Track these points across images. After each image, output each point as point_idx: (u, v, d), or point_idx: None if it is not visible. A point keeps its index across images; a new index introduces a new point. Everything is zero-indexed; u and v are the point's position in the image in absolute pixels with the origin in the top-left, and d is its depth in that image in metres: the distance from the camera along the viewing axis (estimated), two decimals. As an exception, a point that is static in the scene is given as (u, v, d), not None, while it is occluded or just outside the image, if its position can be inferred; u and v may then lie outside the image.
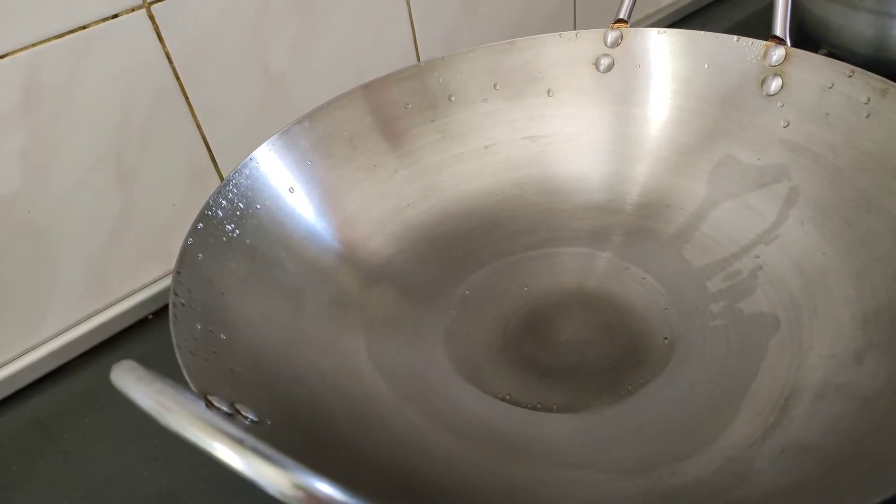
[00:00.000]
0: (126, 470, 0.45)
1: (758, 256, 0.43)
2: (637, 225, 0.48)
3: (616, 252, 0.47)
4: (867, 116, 0.40)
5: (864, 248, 0.38)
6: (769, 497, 0.27)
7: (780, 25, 0.43)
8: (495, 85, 0.52)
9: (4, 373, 0.51)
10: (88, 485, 0.45)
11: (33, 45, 0.45)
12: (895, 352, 0.33)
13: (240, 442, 0.20)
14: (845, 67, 0.41)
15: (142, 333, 0.55)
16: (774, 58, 0.44)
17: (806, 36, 0.62)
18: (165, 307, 0.34)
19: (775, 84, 0.45)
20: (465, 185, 0.51)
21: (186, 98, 0.53)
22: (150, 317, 0.56)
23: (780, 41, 0.44)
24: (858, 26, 0.56)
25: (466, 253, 0.48)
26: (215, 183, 0.55)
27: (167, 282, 0.56)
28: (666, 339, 0.41)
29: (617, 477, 0.34)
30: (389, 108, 0.50)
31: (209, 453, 0.20)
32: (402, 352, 0.42)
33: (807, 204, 0.42)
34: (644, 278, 0.45)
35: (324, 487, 0.19)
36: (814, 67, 0.43)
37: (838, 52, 0.59)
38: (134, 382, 0.22)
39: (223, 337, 0.35)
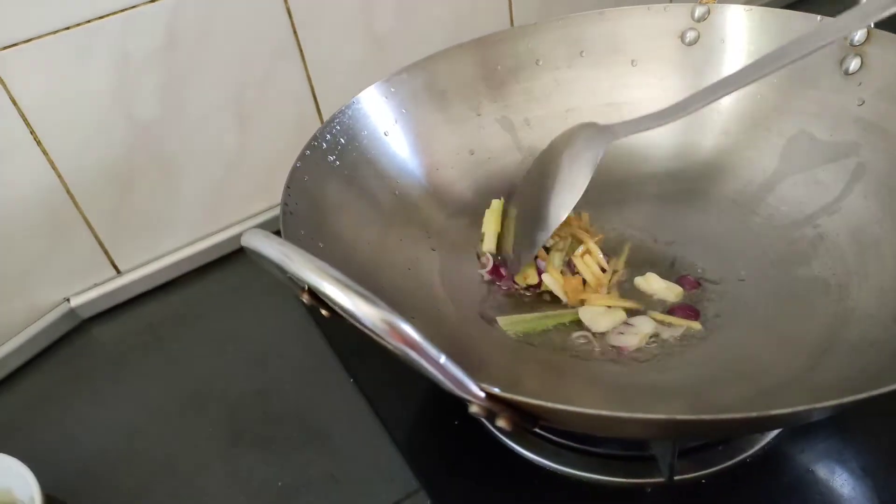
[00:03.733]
0: (224, 370, 0.52)
1: (818, 226, 0.45)
2: (706, 192, 0.50)
3: (682, 215, 0.50)
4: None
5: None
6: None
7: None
8: (581, 52, 0.55)
9: (126, 279, 0.59)
10: (191, 381, 0.52)
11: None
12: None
13: (346, 285, 0.25)
14: (924, 49, 0.42)
15: (242, 259, 0.62)
16: (857, 38, 0.46)
17: None
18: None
19: (854, 63, 0.46)
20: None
21: (301, 52, 0.59)
22: (255, 245, 0.63)
23: (861, 22, 0.45)
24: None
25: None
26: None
27: (270, 214, 0.63)
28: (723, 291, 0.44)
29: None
30: (481, 67, 0.54)
31: (321, 292, 0.25)
32: (469, 280, 0.46)
33: (872, 179, 0.44)
34: (706, 240, 0.47)
35: (406, 326, 0.24)
36: (893, 48, 0.44)
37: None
38: (262, 239, 0.27)
39: (321, 245, 0.41)
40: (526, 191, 0.48)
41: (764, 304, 0.42)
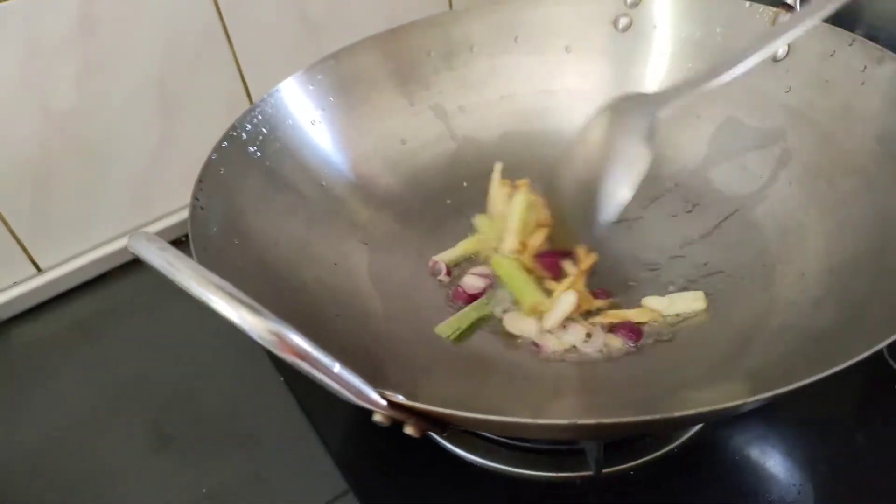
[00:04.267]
0: (150, 370, 0.50)
1: (746, 213, 0.45)
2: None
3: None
4: (862, 84, 0.41)
5: (843, 208, 0.40)
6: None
7: (792, -8, 0.45)
8: (516, 38, 0.54)
9: (51, 276, 0.57)
10: (116, 383, 0.50)
11: (89, -26, 0.49)
12: (847, 298, 0.35)
13: (231, 295, 0.24)
14: (847, 36, 0.42)
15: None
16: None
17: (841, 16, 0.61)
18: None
19: (782, 50, 0.46)
20: (477, 133, 0.54)
21: (228, 36, 0.57)
22: (184, 238, 0.61)
23: (790, 7, 0.45)
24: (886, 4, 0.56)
25: (472, 195, 0.51)
26: (250, 117, 0.59)
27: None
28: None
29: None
30: (413, 53, 0.53)
31: (205, 303, 0.24)
32: (400, 275, 0.45)
33: (797, 166, 0.44)
34: (633, 226, 0.47)
35: (293, 336, 0.23)
36: (818, 35, 0.44)
37: (874, 32, 0.59)
38: (147, 245, 0.26)
39: (236, 241, 0.39)
40: (569, 177, 0.44)
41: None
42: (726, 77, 0.40)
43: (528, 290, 0.42)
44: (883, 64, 0.40)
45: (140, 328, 0.54)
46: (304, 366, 0.24)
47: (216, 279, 0.24)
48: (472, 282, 0.45)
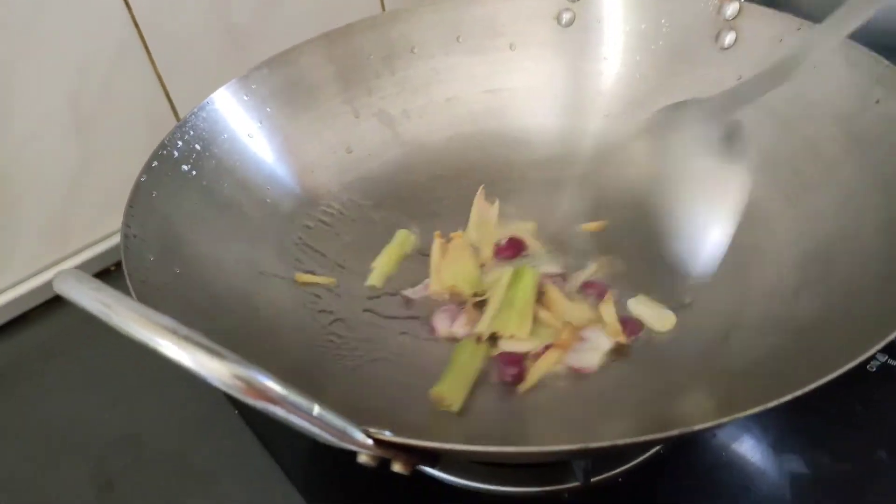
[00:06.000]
0: (87, 414, 0.46)
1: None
2: (591, 176, 0.49)
3: (570, 202, 0.48)
4: (815, 68, 0.41)
5: (808, 194, 0.39)
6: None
7: (736, -21, 0.44)
8: (458, 38, 0.52)
9: (-41, 323, 0.51)
10: (49, 430, 0.45)
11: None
12: (827, 287, 0.34)
13: (183, 337, 0.20)
14: (794, 21, 0.42)
15: (103, 284, 0.55)
16: (729, 12, 0.45)
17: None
18: (127, 259, 0.34)
19: (729, 38, 0.46)
20: (425, 137, 0.51)
21: (147, 48, 0.53)
22: (112, 268, 0.56)
23: (735, -6, 0.45)
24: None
25: (424, 203, 0.48)
26: (176, 134, 0.55)
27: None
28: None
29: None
30: (351, 57, 0.50)
31: (153, 349, 0.21)
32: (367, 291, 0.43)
33: (757, 154, 0.43)
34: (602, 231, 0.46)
35: (262, 378, 0.20)
36: (765, 21, 0.44)
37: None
38: (76, 285, 0.22)
39: (177, 271, 0.35)
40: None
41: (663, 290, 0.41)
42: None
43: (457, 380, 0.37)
44: (833, 49, 0.40)
45: (69, 370, 0.49)
46: (278, 411, 0.21)
47: (164, 319, 0.20)
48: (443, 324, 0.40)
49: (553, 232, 0.46)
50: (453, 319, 0.40)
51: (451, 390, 0.35)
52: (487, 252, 0.44)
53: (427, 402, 0.36)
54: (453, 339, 0.40)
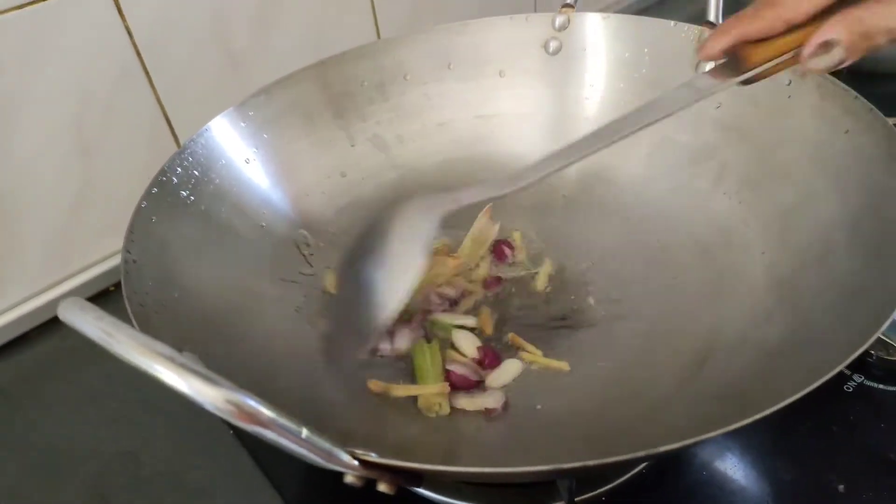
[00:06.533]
0: (85, 432, 0.47)
1: (690, 230, 0.45)
2: (576, 201, 0.50)
3: (557, 225, 0.49)
4: (789, 97, 0.43)
5: (784, 219, 0.41)
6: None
7: (714, 11, 0.46)
8: (449, 65, 0.54)
9: (-40, 343, 0.52)
10: (48, 448, 0.46)
11: (-7, 14, 0.45)
12: (799, 309, 0.35)
13: (179, 364, 0.21)
14: (770, 51, 0.44)
15: (102, 305, 0.55)
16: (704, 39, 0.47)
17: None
18: (127, 279, 0.35)
19: (708, 66, 0.47)
20: (418, 162, 0.53)
21: (147, 74, 0.54)
22: (112, 288, 0.57)
23: (713, 25, 0.46)
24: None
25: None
26: (176, 158, 0.56)
27: (128, 254, 0.57)
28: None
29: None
30: (345, 84, 0.52)
31: (151, 375, 0.22)
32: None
33: (735, 179, 0.45)
34: (580, 249, 0.47)
35: (253, 403, 0.21)
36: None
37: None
38: (79, 314, 0.23)
39: (176, 295, 0.36)
40: (358, 262, 0.39)
41: (643, 315, 0.42)
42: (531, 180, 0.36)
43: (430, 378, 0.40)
44: (806, 77, 0.42)
45: (68, 391, 0.50)
46: (268, 434, 0.22)
47: (161, 347, 0.22)
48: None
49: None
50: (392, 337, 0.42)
51: (433, 395, 0.37)
52: (476, 263, 0.46)
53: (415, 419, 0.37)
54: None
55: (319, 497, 0.41)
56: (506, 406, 0.39)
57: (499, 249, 0.48)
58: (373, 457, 0.24)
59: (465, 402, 0.39)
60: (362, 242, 0.39)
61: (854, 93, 0.39)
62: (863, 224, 0.36)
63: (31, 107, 0.49)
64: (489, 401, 0.38)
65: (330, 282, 0.46)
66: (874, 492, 0.37)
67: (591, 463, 0.23)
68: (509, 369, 0.40)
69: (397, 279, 0.35)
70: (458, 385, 0.39)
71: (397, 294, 0.35)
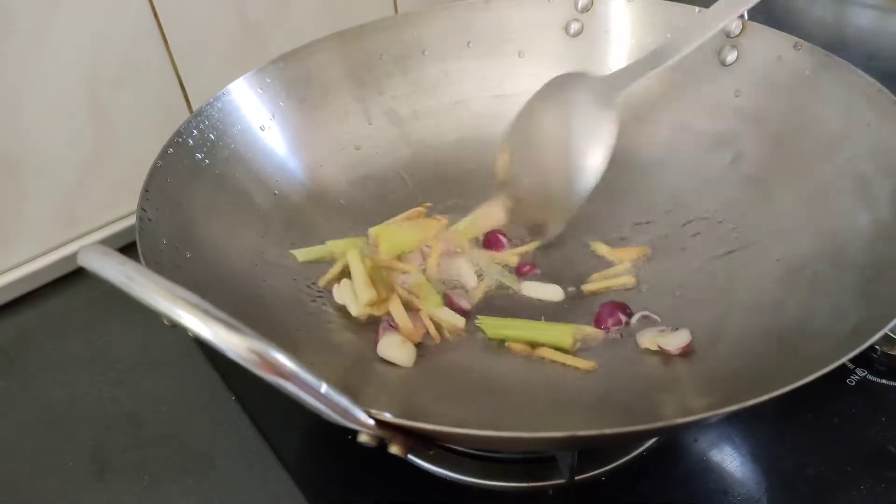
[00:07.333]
0: (88, 393, 0.47)
1: (706, 217, 0.45)
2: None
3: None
4: (811, 87, 0.43)
5: (799, 208, 0.41)
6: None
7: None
8: (468, 42, 0.53)
9: (-34, 299, 0.52)
10: (51, 408, 0.46)
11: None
12: (814, 299, 0.35)
13: (203, 310, 0.21)
14: (793, 40, 0.44)
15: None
16: (732, 29, 0.47)
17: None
18: (135, 243, 0.35)
19: (732, 55, 0.47)
20: (432, 138, 0.53)
21: (164, 37, 0.54)
22: (122, 250, 0.57)
23: (741, 16, 0.46)
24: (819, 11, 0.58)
25: (428, 201, 0.49)
26: (189, 123, 0.56)
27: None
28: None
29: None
30: (364, 57, 0.51)
31: (174, 320, 0.22)
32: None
33: (751, 167, 0.45)
34: (591, 234, 0.47)
35: (276, 354, 0.21)
36: (766, 39, 0.45)
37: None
38: (102, 258, 0.23)
39: (188, 255, 0.36)
40: (528, 155, 0.43)
41: (657, 300, 0.42)
42: (670, 62, 0.42)
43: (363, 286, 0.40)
44: (829, 69, 0.41)
45: (72, 350, 0.50)
46: (288, 386, 0.22)
47: (186, 294, 0.22)
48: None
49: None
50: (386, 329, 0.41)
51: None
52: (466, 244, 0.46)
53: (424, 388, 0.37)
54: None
55: (320, 466, 0.41)
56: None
57: (493, 238, 0.46)
58: (387, 417, 0.24)
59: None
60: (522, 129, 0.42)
61: (879, 85, 0.39)
62: (881, 217, 0.36)
63: (44, 64, 0.49)
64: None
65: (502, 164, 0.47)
66: (873, 484, 0.37)
67: (608, 431, 0.23)
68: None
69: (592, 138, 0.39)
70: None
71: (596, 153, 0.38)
